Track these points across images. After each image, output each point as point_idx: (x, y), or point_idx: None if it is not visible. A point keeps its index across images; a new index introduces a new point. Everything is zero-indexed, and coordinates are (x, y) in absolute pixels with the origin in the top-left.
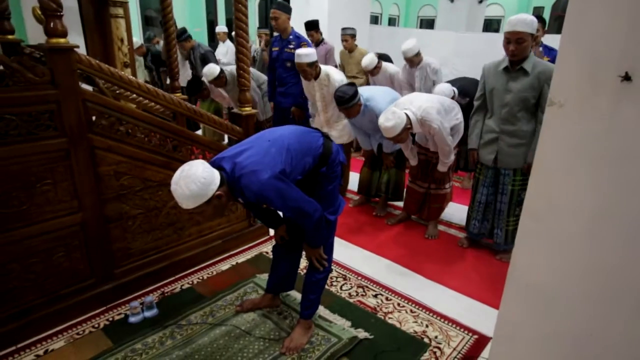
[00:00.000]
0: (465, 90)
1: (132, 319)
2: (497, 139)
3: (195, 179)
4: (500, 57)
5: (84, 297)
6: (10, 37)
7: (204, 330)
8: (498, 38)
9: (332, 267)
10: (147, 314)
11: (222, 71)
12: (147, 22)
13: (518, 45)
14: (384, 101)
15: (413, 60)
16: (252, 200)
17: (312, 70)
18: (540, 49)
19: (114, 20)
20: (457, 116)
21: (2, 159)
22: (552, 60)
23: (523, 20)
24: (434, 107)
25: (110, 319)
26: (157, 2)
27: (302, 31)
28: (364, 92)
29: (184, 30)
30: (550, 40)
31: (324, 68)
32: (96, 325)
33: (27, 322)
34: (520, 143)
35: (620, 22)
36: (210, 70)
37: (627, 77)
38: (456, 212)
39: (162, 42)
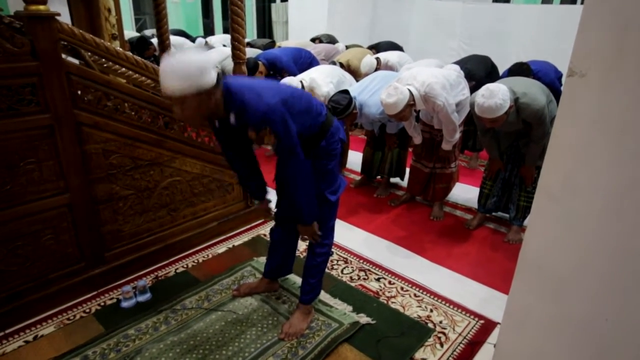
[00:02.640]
0: (472, 73)
1: (124, 304)
2: (493, 137)
3: (194, 60)
4: (511, 30)
5: (73, 281)
6: None
7: (200, 316)
8: (509, 9)
9: (333, 250)
10: (140, 298)
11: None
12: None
13: (495, 124)
14: (376, 106)
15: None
16: (251, 122)
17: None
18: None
19: None
20: (464, 92)
21: None
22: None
23: (495, 107)
24: (438, 82)
25: (102, 304)
26: None
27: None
28: (361, 92)
29: (143, 40)
30: (563, 11)
31: (308, 82)
32: (87, 310)
33: (15, 307)
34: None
35: None
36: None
37: None
38: (463, 192)
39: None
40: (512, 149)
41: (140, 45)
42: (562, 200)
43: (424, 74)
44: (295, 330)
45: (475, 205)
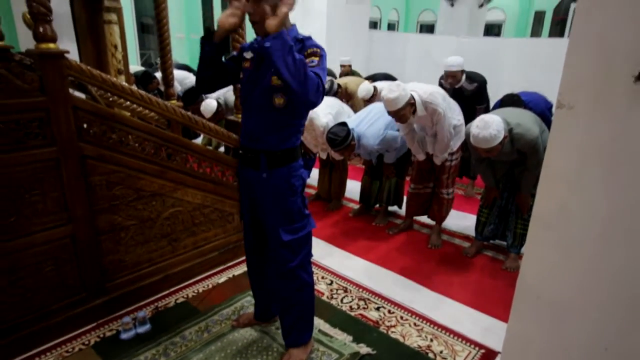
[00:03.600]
0: (472, 76)
1: (123, 335)
2: (492, 166)
3: None
4: (502, 62)
5: (74, 312)
6: None
7: (199, 347)
8: (500, 42)
9: (332, 279)
10: (140, 329)
11: (219, 105)
12: (142, 29)
13: (490, 154)
14: (373, 137)
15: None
16: (298, 42)
17: None
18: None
19: (107, 27)
20: (459, 117)
21: None
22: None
23: (487, 141)
24: (440, 94)
25: (101, 336)
26: (153, 9)
27: None
28: (359, 123)
29: (147, 74)
30: (551, 43)
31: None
32: (86, 342)
33: (15, 339)
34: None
35: (632, 18)
36: (209, 106)
37: None
38: (460, 220)
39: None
40: (507, 177)
41: (144, 79)
42: (557, 228)
43: (426, 86)
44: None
45: (472, 233)
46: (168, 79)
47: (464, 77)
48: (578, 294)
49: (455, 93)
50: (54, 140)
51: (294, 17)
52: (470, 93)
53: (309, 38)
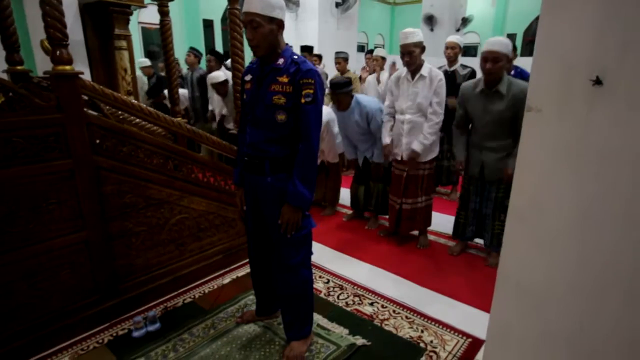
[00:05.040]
0: (466, 64)
1: (135, 334)
2: (480, 153)
3: None
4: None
5: (89, 313)
6: (19, 67)
7: (206, 342)
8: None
9: (329, 277)
10: (150, 328)
11: (226, 81)
12: (150, 56)
13: (494, 64)
14: (373, 102)
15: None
16: (298, 74)
17: None
18: (512, 72)
19: (117, 52)
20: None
21: (11, 180)
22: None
23: (500, 42)
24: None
25: (114, 334)
26: (159, 37)
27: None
28: (357, 95)
29: (160, 83)
30: (523, 62)
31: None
32: (100, 341)
33: (33, 339)
34: (502, 156)
35: (588, 29)
36: (216, 78)
37: (598, 81)
38: (446, 222)
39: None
40: (478, 182)
41: (156, 87)
42: (531, 220)
43: None
44: (295, 353)
45: None
46: (174, 98)
47: (459, 62)
48: (552, 280)
49: (449, 78)
50: (70, 153)
51: (288, 41)
52: (462, 79)
53: (304, 61)
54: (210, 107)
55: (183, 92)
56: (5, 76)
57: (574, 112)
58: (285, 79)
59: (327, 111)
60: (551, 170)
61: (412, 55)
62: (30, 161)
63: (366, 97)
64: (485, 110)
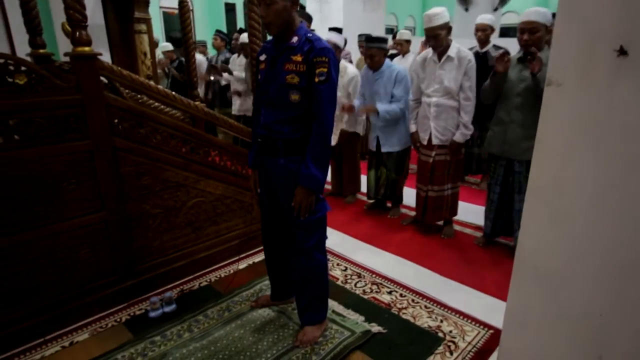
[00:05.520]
0: (499, 46)
1: (152, 314)
2: (506, 130)
3: None
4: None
5: (107, 292)
6: (41, 51)
7: (220, 324)
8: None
9: (346, 265)
10: (167, 309)
11: None
12: (172, 43)
13: (531, 36)
14: (404, 68)
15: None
16: (312, 52)
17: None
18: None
19: (138, 36)
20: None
21: (33, 160)
22: None
23: (537, 11)
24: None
25: (132, 314)
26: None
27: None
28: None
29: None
30: None
31: (344, 62)
32: (118, 320)
33: (54, 315)
34: (529, 134)
35: None
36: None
37: (622, 52)
38: (472, 212)
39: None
40: (500, 166)
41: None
42: (550, 201)
43: None
44: (309, 338)
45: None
46: (192, 82)
47: (491, 43)
48: (572, 264)
49: (480, 60)
50: (89, 134)
51: (313, 26)
52: (495, 61)
53: (318, 39)
54: (229, 93)
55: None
56: (28, 60)
57: (596, 85)
58: (299, 58)
59: (354, 72)
60: (573, 148)
61: (437, 39)
62: (51, 141)
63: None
64: (521, 79)
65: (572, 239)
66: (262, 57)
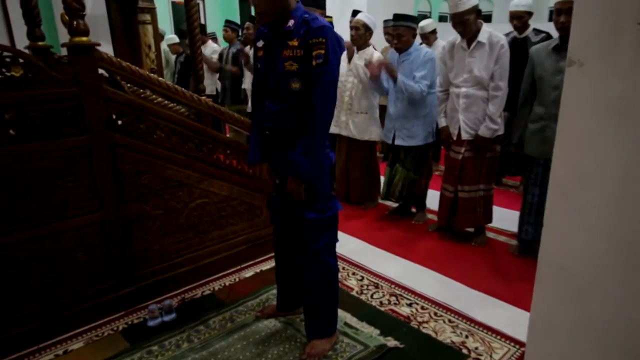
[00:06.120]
0: (540, 29)
1: (150, 323)
2: (544, 128)
3: None
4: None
5: (104, 299)
6: (40, 43)
7: (222, 335)
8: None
9: (363, 275)
10: (166, 318)
11: None
12: (180, 35)
13: (569, 17)
14: (431, 52)
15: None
16: (309, 33)
17: (364, 34)
18: None
19: (142, 27)
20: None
21: (29, 155)
22: None
23: None
24: None
25: (129, 322)
26: None
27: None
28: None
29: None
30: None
31: (371, 48)
32: (115, 328)
33: (49, 322)
34: None
35: None
36: None
37: None
38: (507, 218)
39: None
40: (539, 167)
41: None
42: (574, 193)
43: None
44: (317, 351)
45: None
46: (199, 75)
47: (531, 27)
48: (600, 263)
49: (519, 46)
50: (86, 128)
51: (334, 10)
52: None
53: (315, 18)
54: (243, 86)
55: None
56: (26, 52)
57: (620, 64)
58: (295, 43)
59: (379, 57)
60: (597, 134)
61: (465, 25)
62: (47, 136)
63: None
64: (558, 70)
65: (599, 235)
66: (260, 44)
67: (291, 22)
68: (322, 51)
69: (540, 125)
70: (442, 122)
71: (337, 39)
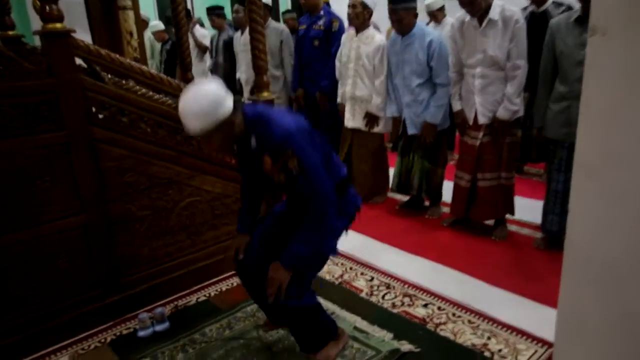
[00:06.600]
0: (560, 1)
1: (141, 333)
2: (568, 108)
3: (207, 95)
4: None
5: (89, 308)
6: (10, 32)
7: (220, 343)
8: None
9: (373, 275)
10: (158, 327)
11: None
12: (167, 22)
13: None
14: (438, 33)
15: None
16: (272, 144)
17: (362, 13)
18: None
19: (122, 13)
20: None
21: (1, 154)
22: None
23: None
24: None
25: (118, 333)
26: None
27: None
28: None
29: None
30: None
31: (372, 29)
32: (102, 340)
33: (29, 335)
34: None
35: None
36: None
37: None
38: (530, 209)
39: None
40: (564, 150)
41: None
42: (603, 175)
43: None
44: (323, 357)
45: None
46: (185, 63)
47: (551, 0)
48: (634, 252)
49: (537, 20)
50: (64, 124)
51: None
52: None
53: (267, 125)
54: (237, 75)
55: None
56: None
57: None
58: (269, 160)
59: (381, 40)
60: (624, 108)
61: (474, 4)
62: (20, 133)
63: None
64: (581, 43)
65: (631, 221)
66: (235, 149)
67: (253, 141)
68: (295, 161)
69: (564, 106)
70: (457, 106)
71: (302, 134)
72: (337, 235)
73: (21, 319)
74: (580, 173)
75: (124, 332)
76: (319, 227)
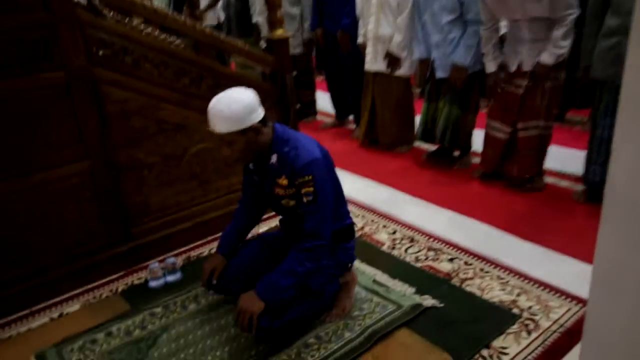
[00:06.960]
0: None
1: (152, 284)
2: (619, 44)
3: (240, 101)
4: None
5: (100, 257)
6: None
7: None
8: None
9: (396, 227)
10: (170, 278)
11: None
12: None
13: None
14: None
15: None
16: (294, 167)
17: None
18: None
19: None
20: None
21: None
22: None
23: None
24: None
25: (129, 283)
26: None
27: None
28: None
29: None
30: None
31: None
32: (114, 290)
33: (40, 283)
34: None
35: None
36: None
37: None
38: (571, 159)
39: None
40: (611, 94)
41: None
42: None
43: None
44: (338, 311)
45: None
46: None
47: None
48: None
49: None
50: (62, 63)
51: None
52: None
53: (295, 149)
54: (253, 19)
55: None
56: None
57: None
58: (285, 182)
59: None
60: None
61: None
62: (16, 73)
63: None
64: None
65: None
66: (251, 166)
67: (274, 158)
68: (310, 189)
69: (614, 42)
70: (491, 67)
71: (324, 167)
72: (326, 274)
73: (31, 267)
74: (627, 111)
75: (135, 282)
76: (304, 261)
